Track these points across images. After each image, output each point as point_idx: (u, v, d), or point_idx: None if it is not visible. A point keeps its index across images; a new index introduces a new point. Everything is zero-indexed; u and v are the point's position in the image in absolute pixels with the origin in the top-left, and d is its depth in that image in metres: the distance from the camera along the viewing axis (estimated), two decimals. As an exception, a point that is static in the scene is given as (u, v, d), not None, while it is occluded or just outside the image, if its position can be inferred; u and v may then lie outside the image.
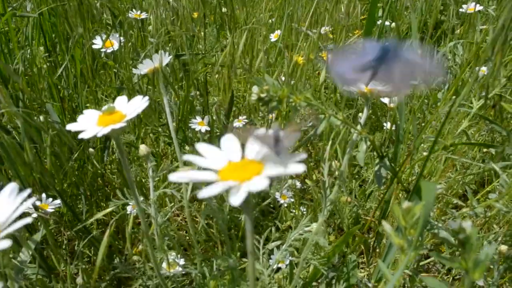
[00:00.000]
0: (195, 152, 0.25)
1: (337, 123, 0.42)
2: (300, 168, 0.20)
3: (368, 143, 0.46)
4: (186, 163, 0.51)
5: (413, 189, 0.45)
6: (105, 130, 0.29)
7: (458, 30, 1.28)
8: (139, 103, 0.31)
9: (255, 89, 0.31)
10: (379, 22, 1.15)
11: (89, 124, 0.30)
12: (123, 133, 0.96)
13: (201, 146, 0.25)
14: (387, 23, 1.33)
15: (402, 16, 1.64)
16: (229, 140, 0.25)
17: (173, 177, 0.21)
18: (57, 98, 0.86)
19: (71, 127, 0.30)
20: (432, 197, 0.37)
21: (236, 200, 0.20)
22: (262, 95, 0.31)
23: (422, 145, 0.93)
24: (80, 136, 0.28)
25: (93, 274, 0.52)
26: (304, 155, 0.22)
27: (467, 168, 0.98)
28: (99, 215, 0.54)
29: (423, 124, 1.02)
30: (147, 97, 0.30)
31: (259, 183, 0.20)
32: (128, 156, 0.94)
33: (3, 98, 0.46)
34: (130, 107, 0.31)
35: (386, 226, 0.28)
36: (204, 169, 0.23)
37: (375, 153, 0.89)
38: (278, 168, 0.21)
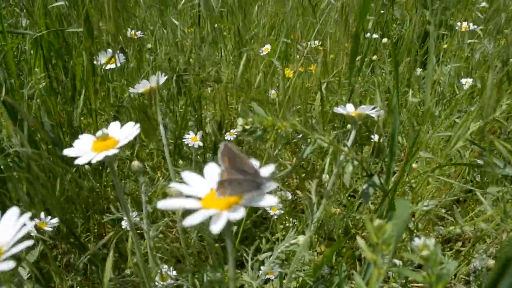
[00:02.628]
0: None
1: (324, 145, 0.44)
2: (273, 202, 0.23)
3: (356, 163, 0.48)
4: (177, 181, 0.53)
5: (389, 205, 0.48)
6: (99, 156, 0.31)
7: (446, 44, 1.32)
8: (131, 130, 0.33)
9: (240, 121, 0.33)
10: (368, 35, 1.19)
11: (84, 149, 0.33)
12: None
13: (186, 175, 0.27)
14: (375, 36, 1.36)
15: (391, 28, 1.67)
16: (212, 168, 0.28)
17: (160, 204, 0.24)
18: (55, 114, 0.88)
19: (67, 152, 0.32)
20: (406, 214, 0.39)
21: (216, 228, 0.23)
22: (247, 127, 0.33)
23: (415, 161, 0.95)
24: (76, 162, 0.31)
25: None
26: (274, 185, 0.25)
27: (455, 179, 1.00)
28: (104, 240, 0.56)
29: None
30: (138, 125, 0.33)
31: (236, 214, 0.23)
32: (123, 170, 0.96)
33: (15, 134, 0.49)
34: (122, 133, 0.33)
35: (360, 241, 0.30)
36: (189, 196, 0.26)
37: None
38: (255, 200, 0.24)
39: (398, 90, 0.62)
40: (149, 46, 0.87)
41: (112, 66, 0.75)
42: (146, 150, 0.97)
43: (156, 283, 0.56)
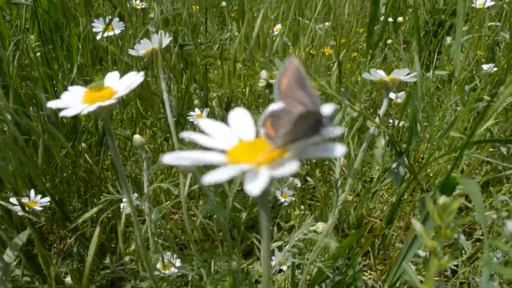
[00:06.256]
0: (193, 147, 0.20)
1: (354, 115, 0.38)
2: (342, 152, 0.16)
3: (387, 137, 0.43)
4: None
5: (441, 186, 0.41)
6: (91, 107, 0.25)
7: (465, 27, 1.25)
8: (133, 79, 0.26)
9: (263, 74, 0.27)
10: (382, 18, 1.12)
11: (73, 101, 0.26)
12: (118, 127, 0.92)
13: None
14: (390, 19, 1.30)
15: (405, 14, 1.61)
16: (240, 115, 0.20)
17: (168, 158, 0.16)
18: (50, 89, 0.82)
19: (53, 104, 0.26)
20: (479, 195, 0.33)
21: (254, 188, 0.15)
22: (272, 81, 0.27)
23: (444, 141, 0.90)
24: (62, 113, 0.24)
25: (84, 275, 0.48)
26: (340, 130, 0.17)
27: (474, 167, 0.95)
28: (89, 214, 0.50)
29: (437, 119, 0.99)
30: (142, 72, 0.26)
31: (287, 167, 0.15)
32: (124, 152, 0.90)
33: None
34: (122, 83, 0.27)
35: (417, 224, 0.24)
36: (208, 149, 0.18)
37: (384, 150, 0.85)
38: (313, 149, 0.16)
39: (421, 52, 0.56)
40: (151, 15, 0.80)
41: (110, 34, 0.69)
42: (148, 131, 0.92)
43: (158, 272, 0.50)
